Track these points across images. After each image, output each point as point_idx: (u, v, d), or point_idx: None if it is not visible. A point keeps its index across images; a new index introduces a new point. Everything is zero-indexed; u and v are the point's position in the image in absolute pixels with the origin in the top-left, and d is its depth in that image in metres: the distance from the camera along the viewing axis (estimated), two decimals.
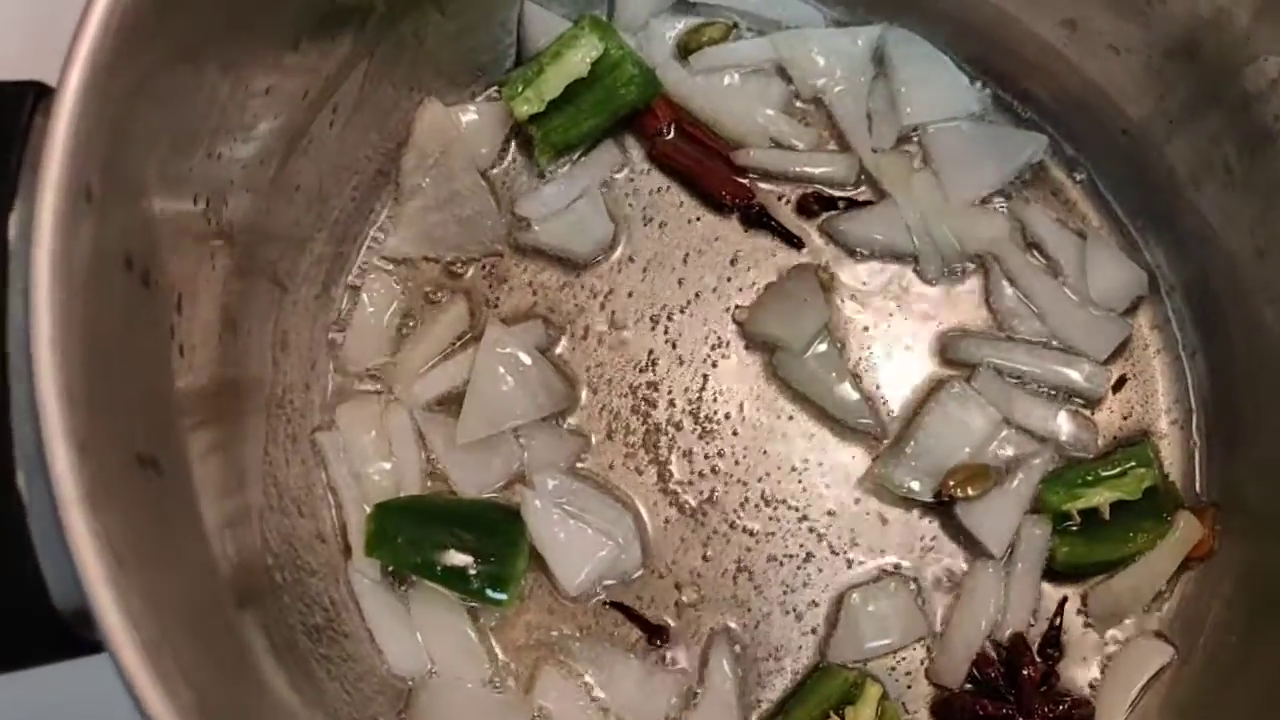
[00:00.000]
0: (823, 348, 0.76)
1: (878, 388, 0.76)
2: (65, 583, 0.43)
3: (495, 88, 0.79)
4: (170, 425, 0.54)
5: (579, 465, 0.74)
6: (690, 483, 0.75)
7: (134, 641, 0.41)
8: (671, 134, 0.79)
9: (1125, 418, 0.77)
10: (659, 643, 0.72)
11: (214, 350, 0.61)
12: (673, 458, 0.75)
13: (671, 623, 0.73)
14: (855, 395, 0.75)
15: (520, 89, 0.75)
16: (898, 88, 0.79)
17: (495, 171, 0.78)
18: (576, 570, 0.71)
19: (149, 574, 0.45)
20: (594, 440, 0.75)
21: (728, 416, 0.76)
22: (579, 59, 0.74)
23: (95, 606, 0.41)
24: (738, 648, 0.72)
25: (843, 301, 0.77)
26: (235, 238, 0.63)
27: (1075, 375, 0.76)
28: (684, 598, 0.73)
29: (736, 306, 0.77)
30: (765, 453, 0.75)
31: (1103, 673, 0.73)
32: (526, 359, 0.73)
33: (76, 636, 0.44)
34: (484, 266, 0.77)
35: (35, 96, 0.48)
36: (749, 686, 0.72)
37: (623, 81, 0.76)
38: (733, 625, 0.73)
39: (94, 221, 0.47)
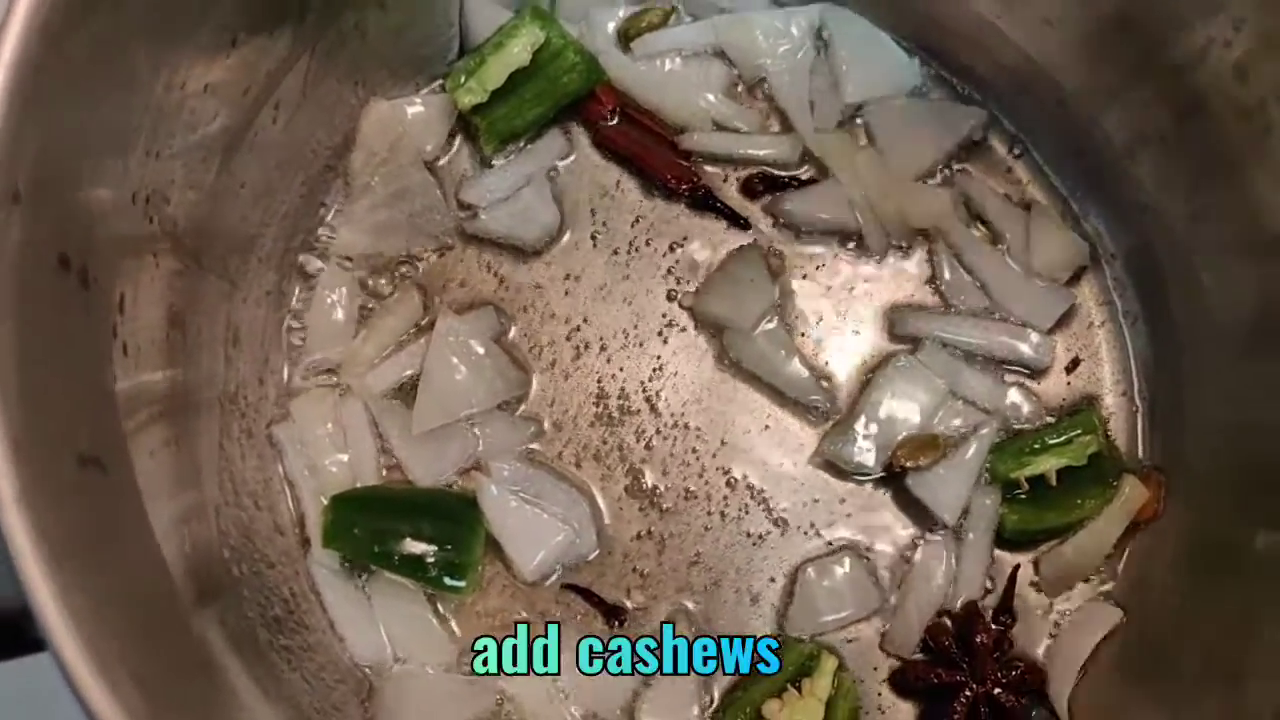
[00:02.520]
0: (771, 326, 0.77)
1: (826, 365, 0.78)
2: (7, 581, 0.44)
3: (440, 80, 0.79)
4: (115, 424, 0.54)
5: (533, 450, 0.75)
6: (644, 464, 0.76)
7: (75, 638, 0.42)
8: (616, 120, 0.79)
9: (1070, 386, 0.78)
10: (617, 623, 0.73)
11: (161, 348, 0.62)
12: (626, 441, 0.76)
13: (629, 604, 0.74)
14: (805, 373, 0.76)
15: (463, 79, 0.76)
16: (838, 67, 0.80)
17: (442, 163, 0.79)
18: (532, 555, 0.72)
19: (93, 572, 0.45)
20: (547, 426, 0.76)
21: (680, 398, 0.76)
22: (520, 48, 0.75)
23: (34, 604, 0.41)
24: (693, 629, 0.73)
25: (790, 281, 0.78)
26: (180, 236, 0.63)
27: (1022, 346, 0.77)
28: (641, 579, 0.74)
29: (683, 291, 0.78)
30: (717, 433, 0.76)
31: (1054, 637, 0.75)
32: (479, 347, 0.74)
33: (22, 635, 0.45)
34: (436, 257, 0.78)
35: None
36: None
37: (565, 69, 0.76)
38: (690, 605, 0.74)
39: (24, 222, 0.47)
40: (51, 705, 0.44)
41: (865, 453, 0.75)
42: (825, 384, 0.77)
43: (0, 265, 0.45)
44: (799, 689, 0.70)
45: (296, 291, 0.77)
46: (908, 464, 0.73)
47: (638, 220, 0.79)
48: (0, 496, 0.41)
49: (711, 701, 0.72)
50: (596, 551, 0.74)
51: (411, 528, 0.70)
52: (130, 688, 0.44)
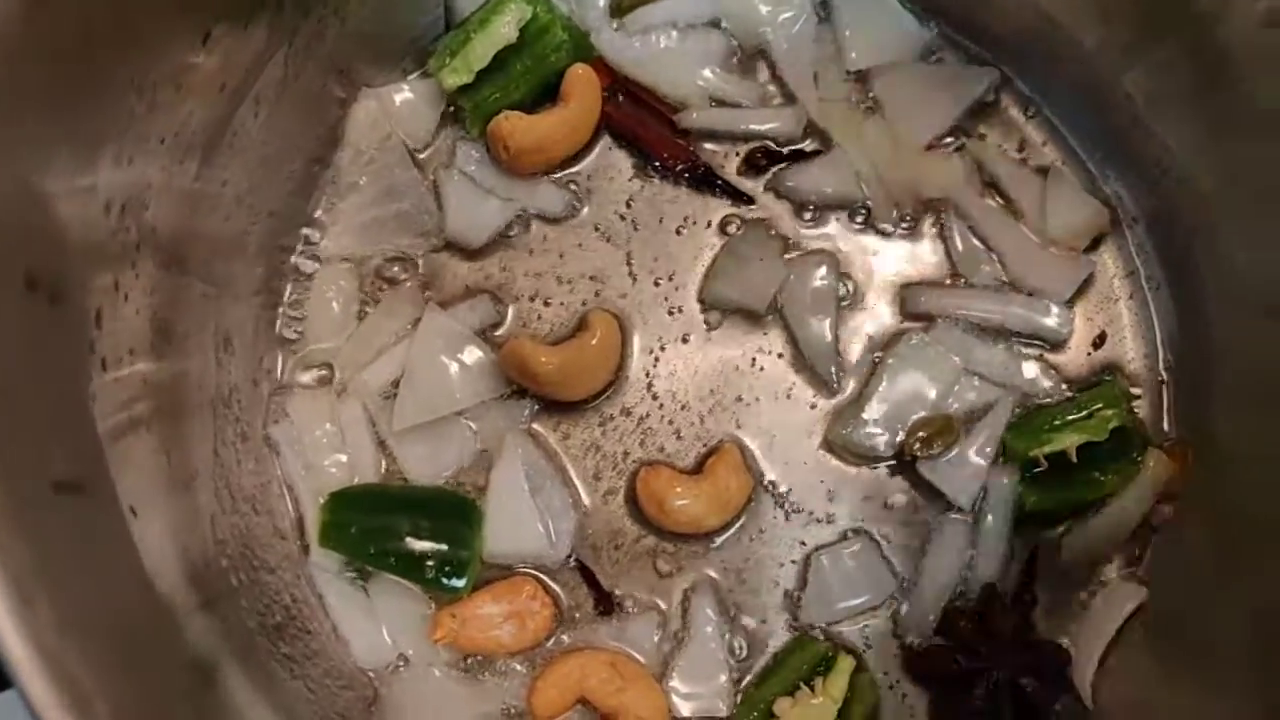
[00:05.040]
0: (824, 282, 0.74)
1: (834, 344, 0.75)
2: None
3: (428, 63, 0.77)
4: (93, 443, 0.53)
5: (534, 431, 0.73)
6: (646, 447, 0.73)
7: (45, 679, 0.41)
8: (614, 96, 0.76)
9: (1091, 358, 0.75)
10: (602, 610, 0.71)
11: (146, 358, 0.60)
12: (626, 425, 0.74)
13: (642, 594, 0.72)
14: (829, 337, 0.74)
15: (448, 59, 0.73)
16: (841, 32, 0.77)
17: (427, 154, 0.76)
18: (501, 543, 0.71)
19: (69, 605, 0.44)
20: (545, 410, 0.74)
21: (683, 381, 0.74)
22: (507, 25, 0.72)
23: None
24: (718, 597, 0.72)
25: (794, 259, 0.75)
26: (160, 242, 0.61)
27: (1040, 319, 0.74)
28: (650, 568, 0.73)
29: (688, 275, 0.75)
30: (722, 418, 0.74)
31: (1078, 618, 0.73)
32: (466, 344, 0.72)
33: None
34: (431, 251, 0.75)
35: None
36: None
37: (553, 47, 0.73)
38: (714, 575, 0.73)
39: None
40: None
41: (876, 437, 0.72)
42: (839, 358, 0.74)
43: None
44: (812, 688, 0.69)
45: (289, 289, 0.75)
46: (921, 453, 0.71)
47: (639, 201, 0.76)
48: None
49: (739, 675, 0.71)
50: (563, 564, 0.72)
51: (410, 525, 0.69)
52: None
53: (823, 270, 0.75)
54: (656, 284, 0.75)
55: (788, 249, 0.76)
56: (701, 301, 0.75)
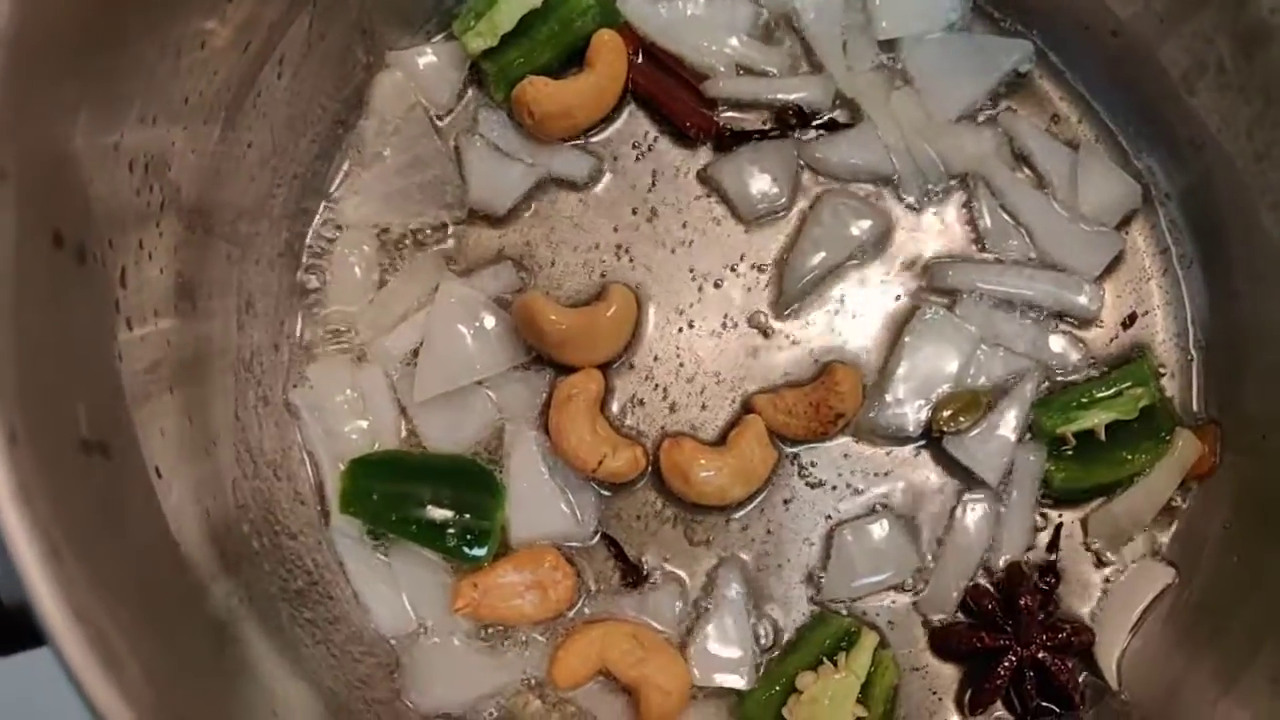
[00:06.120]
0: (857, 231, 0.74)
1: (855, 316, 0.74)
2: (9, 576, 0.42)
3: (453, 25, 0.75)
4: (120, 404, 0.52)
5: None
6: (669, 418, 0.73)
7: (79, 637, 0.40)
8: (640, 59, 0.75)
9: (1118, 337, 0.74)
10: (631, 582, 0.71)
11: (169, 319, 0.60)
12: (649, 394, 0.73)
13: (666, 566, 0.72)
14: (812, 270, 0.73)
15: (472, 23, 0.72)
16: (872, 0, 0.75)
17: (449, 119, 0.75)
18: (528, 527, 0.70)
19: (99, 564, 0.44)
20: None
21: (706, 351, 0.73)
22: None
23: (35, 604, 0.40)
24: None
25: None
26: (183, 203, 0.61)
27: (1070, 295, 0.73)
28: (670, 541, 0.72)
29: (701, 234, 0.74)
30: (746, 387, 0.73)
31: (1103, 597, 0.72)
32: (484, 311, 0.72)
33: (27, 629, 0.43)
34: (454, 222, 0.75)
35: None
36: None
37: (579, 11, 0.72)
38: (738, 548, 0.72)
39: (12, 202, 0.45)
40: (56, 700, 0.42)
41: (902, 418, 0.71)
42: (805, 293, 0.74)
43: None
44: (835, 663, 0.68)
45: (311, 253, 0.74)
46: (948, 429, 0.70)
47: (656, 169, 0.75)
48: None
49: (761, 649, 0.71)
50: (592, 541, 0.71)
51: (431, 493, 0.69)
52: (139, 681, 0.43)
53: (866, 223, 0.73)
54: (679, 253, 0.74)
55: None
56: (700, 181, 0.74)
